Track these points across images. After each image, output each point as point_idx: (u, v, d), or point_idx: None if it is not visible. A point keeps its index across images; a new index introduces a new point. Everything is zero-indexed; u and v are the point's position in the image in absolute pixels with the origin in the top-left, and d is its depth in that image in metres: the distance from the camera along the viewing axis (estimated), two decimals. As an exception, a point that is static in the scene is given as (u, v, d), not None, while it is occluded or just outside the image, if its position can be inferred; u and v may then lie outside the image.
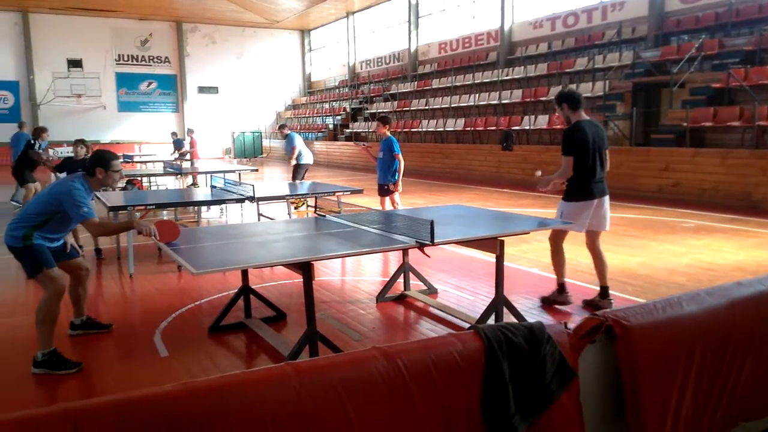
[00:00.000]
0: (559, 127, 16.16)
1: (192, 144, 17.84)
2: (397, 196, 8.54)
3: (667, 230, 8.81)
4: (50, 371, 4.03)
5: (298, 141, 12.35)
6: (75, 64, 30.39)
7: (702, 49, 14.46)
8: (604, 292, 5.20)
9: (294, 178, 12.28)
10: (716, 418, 2.49)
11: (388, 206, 8.48)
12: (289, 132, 12.74)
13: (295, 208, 10.57)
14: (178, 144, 18.79)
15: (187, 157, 17.84)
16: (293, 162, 12.28)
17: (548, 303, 5.32)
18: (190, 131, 18.68)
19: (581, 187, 5.01)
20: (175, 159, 17.13)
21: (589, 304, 5.19)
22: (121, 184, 13.28)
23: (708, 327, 2.47)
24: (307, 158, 12.52)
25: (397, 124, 23.71)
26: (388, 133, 8.47)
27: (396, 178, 8.37)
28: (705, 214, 10.35)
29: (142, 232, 4.13)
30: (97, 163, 4.28)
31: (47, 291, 4.11)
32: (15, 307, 5.60)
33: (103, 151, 4.45)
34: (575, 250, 7.50)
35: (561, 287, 5.30)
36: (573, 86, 17.22)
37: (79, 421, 1.40)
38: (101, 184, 4.38)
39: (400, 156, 8.37)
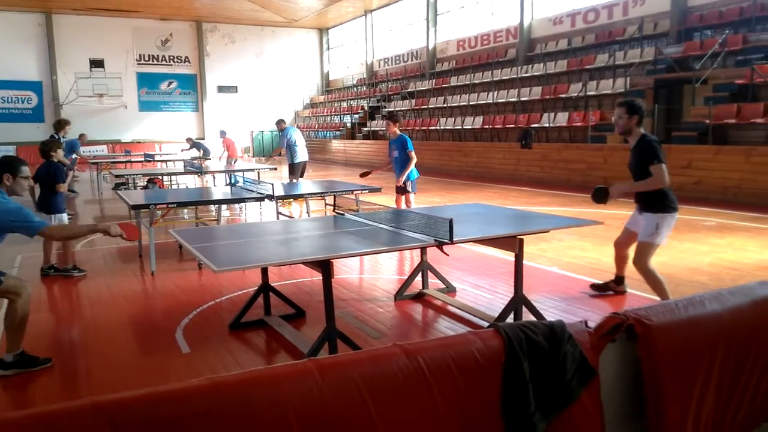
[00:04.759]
0: (579, 124, 16.03)
1: (228, 144, 18.08)
2: (412, 196, 8.46)
3: (689, 229, 8.70)
4: (23, 370, 4.02)
5: (295, 137, 11.97)
6: (97, 64, 30.81)
7: (725, 45, 14.24)
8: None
9: (291, 176, 12.03)
10: (738, 418, 2.47)
11: (403, 205, 8.45)
12: (286, 126, 12.31)
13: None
14: (197, 145, 19.00)
15: (219, 157, 18.24)
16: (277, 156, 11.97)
17: (603, 289, 5.53)
18: (223, 133, 18.78)
19: (672, 197, 4.88)
20: (198, 158, 17.38)
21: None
22: (143, 183, 13.48)
23: (730, 326, 2.44)
24: (302, 156, 12.13)
25: (415, 122, 23.70)
26: (398, 131, 8.38)
27: (412, 177, 8.34)
28: (728, 212, 10.21)
29: (110, 234, 3.98)
30: (4, 169, 4.04)
31: (17, 299, 3.98)
32: (40, 304, 5.71)
33: (11, 157, 4.25)
34: (596, 249, 7.44)
35: (619, 279, 5.47)
36: (593, 83, 17.08)
37: (111, 414, 1.45)
38: (10, 192, 4.08)
39: (413, 154, 8.26)
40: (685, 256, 7.01)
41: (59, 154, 6.74)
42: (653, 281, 4.88)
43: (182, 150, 20.65)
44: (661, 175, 4.66)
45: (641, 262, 4.86)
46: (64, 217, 6.66)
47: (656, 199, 4.80)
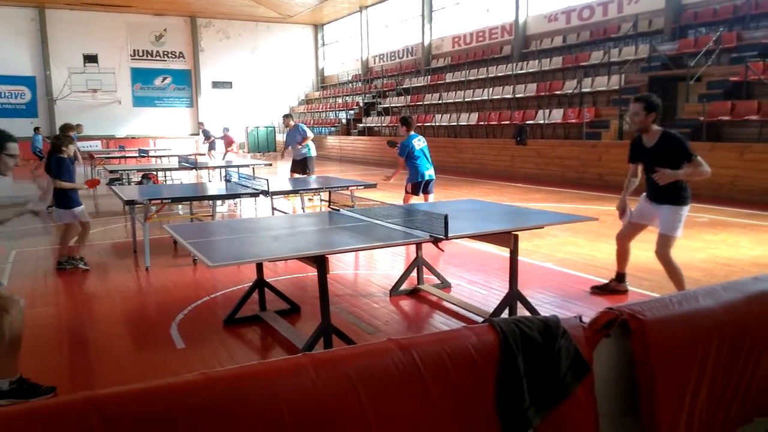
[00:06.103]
0: (574, 121, 16.05)
1: (229, 140, 19.15)
2: (412, 198, 8.35)
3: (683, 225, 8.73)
4: (20, 400, 3.32)
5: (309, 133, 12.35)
6: (91, 59, 30.65)
7: (720, 42, 14.28)
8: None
9: (306, 171, 12.27)
10: (732, 413, 2.48)
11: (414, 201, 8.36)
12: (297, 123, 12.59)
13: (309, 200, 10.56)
14: (207, 134, 19.51)
15: (214, 150, 19.05)
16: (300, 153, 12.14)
17: (606, 290, 5.37)
18: (227, 129, 19.92)
19: (689, 190, 4.91)
20: (209, 150, 17.90)
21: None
22: (137, 178, 13.42)
23: (724, 322, 2.45)
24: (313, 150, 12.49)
25: (410, 118, 23.67)
26: (407, 134, 8.40)
27: (413, 179, 8.29)
28: (721, 208, 10.25)
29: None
30: None
31: (4, 316, 3.39)
32: (34, 299, 5.68)
33: None
34: (590, 245, 7.47)
35: (621, 276, 5.37)
36: (588, 81, 17.09)
37: (104, 409, 1.44)
38: None
39: (400, 160, 8.37)
40: (678, 252, 6.98)
41: (70, 150, 6.76)
42: (675, 272, 4.87)
43: (203, 141, 21.52)
44: (706, 165, 4.67)
45: (665, 254, 4.86)
46: (79, 209, 6.74)
47: (680, 191, 4.82)
